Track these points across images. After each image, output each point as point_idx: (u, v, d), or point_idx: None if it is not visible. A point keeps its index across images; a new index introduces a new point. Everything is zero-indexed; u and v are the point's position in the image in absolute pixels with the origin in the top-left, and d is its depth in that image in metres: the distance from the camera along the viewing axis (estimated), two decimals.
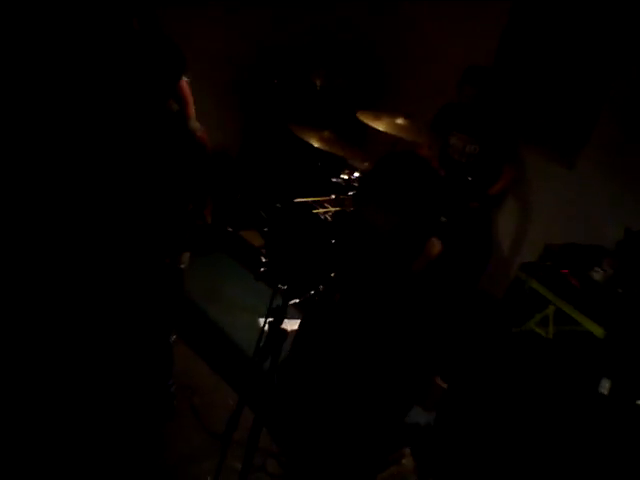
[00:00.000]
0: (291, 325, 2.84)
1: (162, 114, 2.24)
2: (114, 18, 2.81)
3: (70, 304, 2.50)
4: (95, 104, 2.38)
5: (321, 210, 3.34)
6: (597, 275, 3.53)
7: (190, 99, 3.05)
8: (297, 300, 3.16)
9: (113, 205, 2.27)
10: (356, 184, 3.42)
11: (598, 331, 3.30)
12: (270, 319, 2.13)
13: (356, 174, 3.48)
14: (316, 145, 3.16)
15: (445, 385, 3.10)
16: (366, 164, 3.41)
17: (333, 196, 3.44)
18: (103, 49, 2.72)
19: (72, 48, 2.74)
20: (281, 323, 2.50)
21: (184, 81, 2.99)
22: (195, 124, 2.44)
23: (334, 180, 3.48)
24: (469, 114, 3.81)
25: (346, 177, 3.48)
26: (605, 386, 3.19)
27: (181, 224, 2.43)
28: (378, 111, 3.27)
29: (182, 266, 2.51)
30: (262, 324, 2.99)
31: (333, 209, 3.37)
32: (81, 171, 2.31)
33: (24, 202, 2.63)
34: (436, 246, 1.83)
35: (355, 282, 2.09)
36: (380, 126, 3.14)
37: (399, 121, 3.17)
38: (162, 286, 2.46)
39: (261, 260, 2.95)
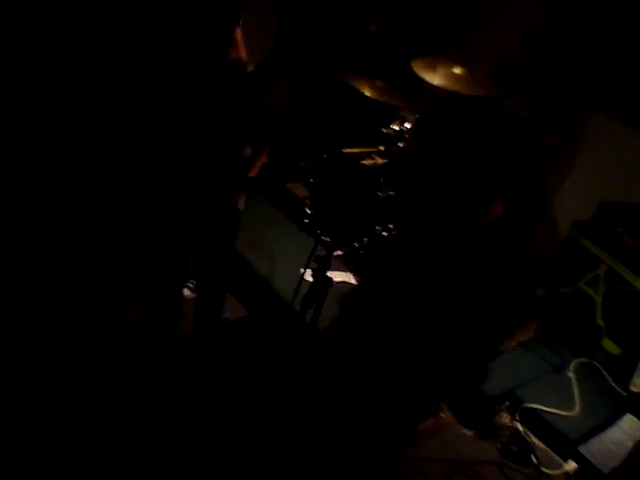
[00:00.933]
0: (335, 276, 2.85)
1: (220, 63, 2.22)
2: None
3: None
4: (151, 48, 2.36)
5: (369, 161, 3.30)
6: None
7: (242, 45, 3.00)
8: (341, 252, 3.18)
9: (175, 150, 2.29)
10: (406, 135, 3.35)
11: None
12: (313, 266, 2.15)
13: (407, 125, 3.40)
14: (367, 94, 3.09)
15: None
16: (418, 115, 3.33)
17: (382, 147, 3.39)
18: None
19: None
20: (325, 271, 2.51)
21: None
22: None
23: (384, 131, 3.42)
24: (527, 79, 3.57)
25: (397, 128, 3.41)
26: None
27: (239, 167, 2.46)
28: (434, 58, 3.13)
29: (240, 207, 2.55)
30: (304, 273, 3.02)
31: (381, 161, 3.32)
32: (142, 118, 2.33)
33: (83, 151, 2.71)
34: (498, 207, 1.81)
35: (413, 236, 2.09)
36: (435, 80, 2.99)
37: (456, 70, 2.99)
38: (220, 226, 2.51)
39: (305, 211, 2.95)
